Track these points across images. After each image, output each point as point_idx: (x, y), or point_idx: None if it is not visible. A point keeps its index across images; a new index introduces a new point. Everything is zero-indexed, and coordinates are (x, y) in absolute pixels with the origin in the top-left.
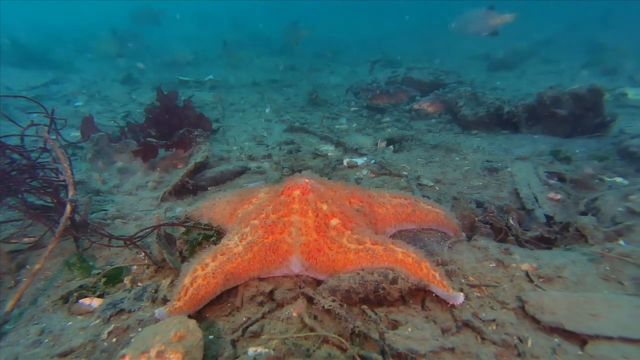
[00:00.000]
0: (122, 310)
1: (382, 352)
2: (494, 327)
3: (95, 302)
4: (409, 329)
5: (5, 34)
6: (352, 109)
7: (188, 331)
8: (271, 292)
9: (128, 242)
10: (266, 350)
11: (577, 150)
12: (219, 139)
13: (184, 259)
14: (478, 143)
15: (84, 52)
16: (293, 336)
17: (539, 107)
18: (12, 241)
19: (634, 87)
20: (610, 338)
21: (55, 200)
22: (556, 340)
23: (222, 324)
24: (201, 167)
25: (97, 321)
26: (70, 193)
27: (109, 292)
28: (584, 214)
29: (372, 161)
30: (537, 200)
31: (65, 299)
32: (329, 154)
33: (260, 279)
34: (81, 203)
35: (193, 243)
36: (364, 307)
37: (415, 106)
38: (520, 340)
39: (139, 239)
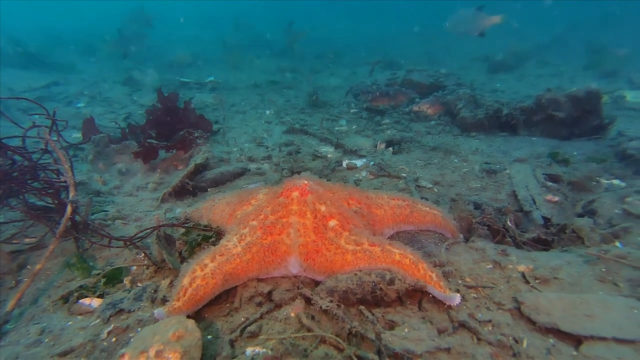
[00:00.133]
0: (121, 310)
1: (378, 352)
2: (490, 328)
3: (95, 302)
4: (406, 330)
5: (7, 35)
6: (352, 110)
7: (186, 331)
8: (269, 293)
9: (128, 243)
10: (264, 350)
11: (575, 153)
12: (219, 141)
13: (183, 260)
14: (477, 145)
15: (85, 54)
16: (291, 336)
17: (537, 110)
18: (14, 242)
19: (632, 89)
20: (604, 339)
21: (56, 201)
22: (551, 340)
23: (221, 324)
24: (201, 168)
25: (97, 321)
26: (71, 194)
27: (109, 292)
28: (581, 216)
29: (371, 163)
30: (534, 202)
31: (65, 299)
32: (329, 156)
33: (259, 280)
34: (82, 204)
35: (192, 244)
36: (362, 307)
37: (415, 108)
38: (516, 341)
39: (138, 239)
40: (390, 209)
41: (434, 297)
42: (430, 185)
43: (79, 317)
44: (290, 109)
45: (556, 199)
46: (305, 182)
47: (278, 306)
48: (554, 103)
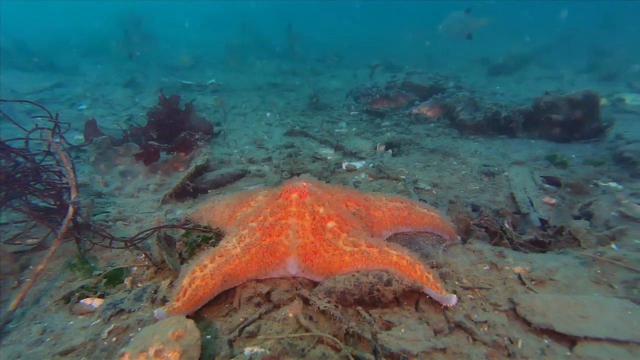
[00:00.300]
0: (122, 310)
1: (375, 352)
2: (486, 329)
3: (96, 302)
4: (402, 330)
5: (11, 37)
6: (352, 113)
7: (186, 331)
8: (268, 294)
9: (129, 244)
10: (262, 350)
11: (573, 155)
12: (220, 142)
13: (183, 261)
14: (475, 147)
15: (88, 56)
16: (289, 336)
17: (536, 113)
18: (16, 242)
19: (631, 92)
20: (598, 339)
21: (58, 203)
22: (546, 341)
23: (220, 324)
24: (202, 170)
25: (98, 321)
26: (73, 195)
27: (110, 292)
28: (577, 218)
29: (371, 165)
30: (532, 204)
31: (66, 299)
32: (328, 158)
33: (258, 281)
34: (83, 205)
35: (192, 245)
36: (359, 308)
37: (415, 110)
38: (511, 341)
39: (139, 240)
40: (389, 210)
41: (430, 298)
42: (429, 188)
43: (80, 316)
44: (290, 111)
45: (553, 201)
46: (304, 184)
47: (276, 307)
48: (552, 106)
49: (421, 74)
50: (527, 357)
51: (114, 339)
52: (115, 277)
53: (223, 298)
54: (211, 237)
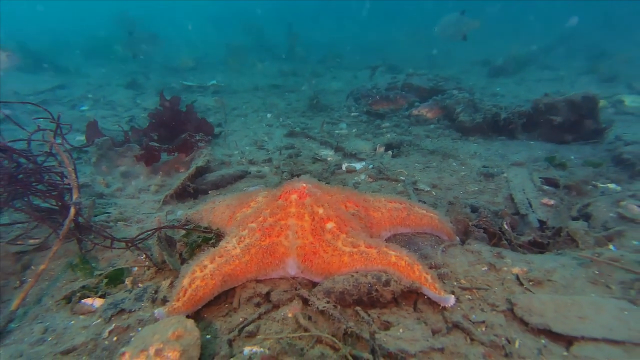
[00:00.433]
0: (122, 310)
1: (372, 352)
2: (484, 329)
3: (97, 302)
4: (401, 330)
5: (14, 39)
6: (353, 114)
7: (186, 330)
8: (267, 294)
9: (129, 244)
10: (261, 349)
11: (572, 157)
12: (221, 144)
13: (183, 261)
14: (475, 149)
15: (89, 57)
16: (288, 336)
17: (535, 114)
18: (18, 243)
19: (631, 94)
20: (595, 339)
21: (60, 203)
22: (543, 341)
23: (220, 324)
24: (202, 171)
25: (99, 320)
26: (75, 196)
27: (111, 292)
28: (576, 219)
29: (371, 166)
30: (531, 206)
31: (68, 299)
32: (329, 159)
33: (257, 281)
34: (85, 206)
35: (193, 245)
36: (358, 308)
37: (415, 112)
38: (508, 341)
39: (140, 241)
40: (388, 211)
41: (429, 298)
42: (428, 189)
43: (82, 316)
44: (291, 113)
45: (552, 202)
46: (304, 185)
47: (276, 307)
48: (551, 107)
49: (421, 75)
50: (524, 357)
51: (115, 338)
52: (116, 277)
53: (223, 298)
54: (211, 237)
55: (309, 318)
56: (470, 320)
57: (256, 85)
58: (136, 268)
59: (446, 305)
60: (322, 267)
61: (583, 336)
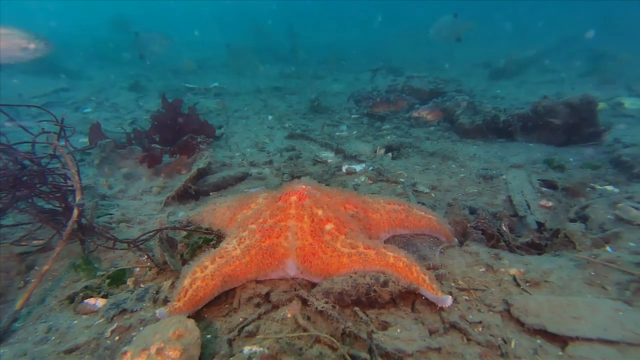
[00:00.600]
0: (124, 310)
1: (370, 351)
2: (480, 329)
3: (99, 302)
4: (398, 330)
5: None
6: (353, 116)
7: (186, 330)
8: (267, 294)
9: (132, 245)
10: (261, 349)
11: (571, 159)
12: (222, 145)
13: (184, 262)
14: (474, 151)
15: (92, 59)
16: (287, 336)
17: (534, 116)
18: (22, 243)
19: (631, 96)
20: (590, 340)
21: (63, 205)
22: (538, 341)
23: (220, 324)
24: (204, 172)
25: (101, 320)
26: (78, 198)
27: (113, 292)
28: (573, 221)
29: (370, 168)
30: (529, 207)
31: (71, 299)
32: (329, 161)
33: (257, 282)
34: (88, 207)
35: (194, 246)
36: (356, 309)
37: (415, 114)
38: (505, 341)
39: (142, 242)
40: (386, 213)
41: (426, 299)
42: (428, 190)
43: (84, 316)
44: (292, 115)
45: (550, 204)
46: (303, 186)
47: (275, 307)
48: (550, 110)
49: (422, 77)
50: (520, 356)
51: (117, 337)
52: (118, 278)
53: (223, 298)
54: (212, 238)
55: (308, 318)
56: (467, 321)
57: (258, 88)
58: (138, 269)
59: (443, 306)
60: (321, 268)
61: (578, 336)
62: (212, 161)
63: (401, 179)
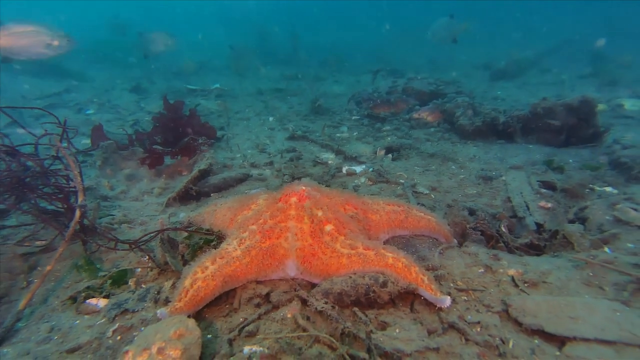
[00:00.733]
0: (126, 310)
1: (369, 351)
2: (478, 329)
3: (101, 302)
4: (397, 330)
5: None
6: (354, 117)
7: (187, 330)
8: (267, 295)
9: (133, 246)
10: (261, 348)
11: (571, 160)
12: (223, 147)
13: (185, 262)
14: (474, 152)
15: (94, 61)
16: (287, 336)
17: (533, 118)
18: (25, 244)
19: (631, 97)
20: (587, 340)
21: (65, 206)
22: (536, 341)
23: (220, 324)
24: (205, 174)
25: (103, 320)
26: (80, 199)
27: (115, 293)
28: (572, 222)
29: (371, 169)
30: (528, 208)
31: (73, 299)
32: (329, 162)
33: (258, 282)
34: (90, 208)
35: (194, 247)
36: (355, 309)
37: (415, 115)
38: (503, 342)
39: (143, 243)
40: (386, 214)
41: (425, 299)
42: (427, 192)
43: (86, 316)
44: (293, 116)
45: (549, 205)
46: (303, 188)
47: (275, 307)
48: (549, 111)
49: (422, 79)
50: (518, 356)
51: (119, 337)
52: (120, 278)
53: (224, 299)
54: (213, 239)
55: (308, 318)
56: (466, 321)
57: (259, 89)
58: (139, 269)
59: (442, 306)
60: (321, 268)
61: (575, 336)
62: (213, 162)
63: (401, 180)
